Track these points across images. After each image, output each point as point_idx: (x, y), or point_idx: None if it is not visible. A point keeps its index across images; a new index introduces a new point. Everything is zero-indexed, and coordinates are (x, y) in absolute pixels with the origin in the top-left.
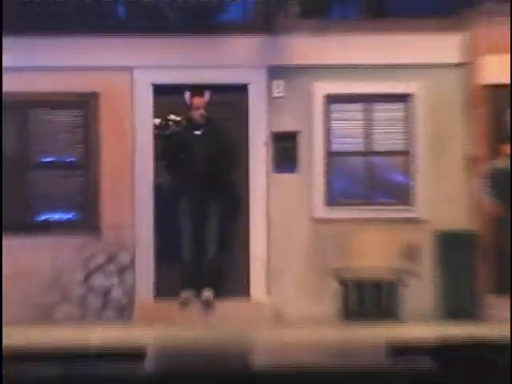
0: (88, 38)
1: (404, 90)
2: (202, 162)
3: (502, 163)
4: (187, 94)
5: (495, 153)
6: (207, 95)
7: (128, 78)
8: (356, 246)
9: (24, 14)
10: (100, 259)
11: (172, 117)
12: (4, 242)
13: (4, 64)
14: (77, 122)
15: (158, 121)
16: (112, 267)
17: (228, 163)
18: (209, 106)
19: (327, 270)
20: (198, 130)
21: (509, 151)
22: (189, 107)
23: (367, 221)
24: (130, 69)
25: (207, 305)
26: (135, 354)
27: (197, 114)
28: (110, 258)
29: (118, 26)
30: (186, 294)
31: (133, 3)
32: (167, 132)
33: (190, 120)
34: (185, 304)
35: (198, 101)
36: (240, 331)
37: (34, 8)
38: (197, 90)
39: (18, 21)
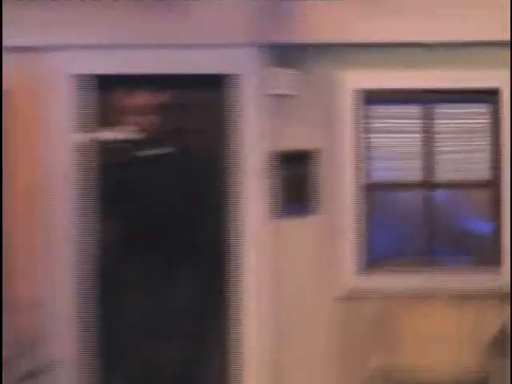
0: None
1: (488, 82)
2: (158, 203)
3: None
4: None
5: None
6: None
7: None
8: (409, 332)
9: None
10: None
11: (105, 134)
12: None
13: None
14: None
15: (79, 137)
16: None
17: (203, 205)
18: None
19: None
20: (146, 150)
21: None
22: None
23: (427, 293)
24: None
25: None
26: None
27: (144, 124)
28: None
29: None
30: None
31: None
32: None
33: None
34: None
35: (140, 101)
36: None
37: None
38: (140, 84)
39: None
